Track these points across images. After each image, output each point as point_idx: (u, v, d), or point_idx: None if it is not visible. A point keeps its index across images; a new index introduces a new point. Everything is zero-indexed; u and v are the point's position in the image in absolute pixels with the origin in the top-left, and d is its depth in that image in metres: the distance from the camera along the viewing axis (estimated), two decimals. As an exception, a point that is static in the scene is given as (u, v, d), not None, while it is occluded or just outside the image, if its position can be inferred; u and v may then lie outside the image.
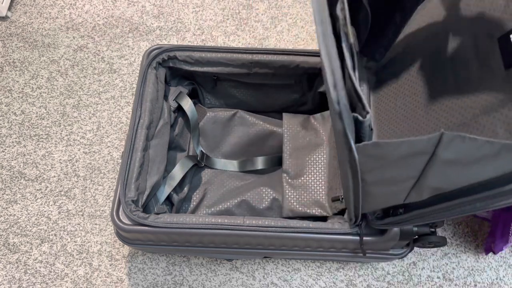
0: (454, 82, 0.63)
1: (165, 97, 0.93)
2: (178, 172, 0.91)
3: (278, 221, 0.75)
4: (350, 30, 0.60)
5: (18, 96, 1.19)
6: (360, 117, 0.53)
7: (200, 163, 0.98)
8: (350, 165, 0.54)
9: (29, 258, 1.00)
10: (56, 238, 1.02)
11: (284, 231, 0.74)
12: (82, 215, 1.05)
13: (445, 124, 0.63)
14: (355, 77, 0.56)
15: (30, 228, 1.03)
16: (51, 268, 1.00)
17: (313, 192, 0.89)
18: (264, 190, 0.92)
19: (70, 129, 1.15)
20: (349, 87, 0.58)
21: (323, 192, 0.89)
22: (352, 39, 0.60)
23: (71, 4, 1.32)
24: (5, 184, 1.08)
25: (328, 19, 0.47)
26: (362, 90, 0.83)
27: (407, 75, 0.75)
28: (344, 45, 0.57)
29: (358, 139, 0.55)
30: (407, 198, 0.58)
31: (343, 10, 0.59)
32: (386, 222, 0.67)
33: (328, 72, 0.45)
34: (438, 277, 0.97)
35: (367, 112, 0.54)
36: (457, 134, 0.46)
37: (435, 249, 0.99)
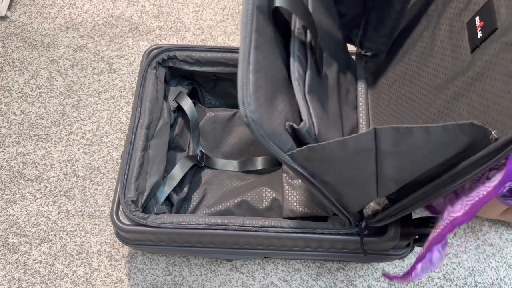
0: (434, 71, 0.64)
1: (165, 97, 0.93)
2: (178, 172, 0.91)
3: (278, 221, 0.75)
4: (309, 36, 0.63)
5: (18, 96, 1.18)
6: (294, 125, 0.55)
7: (200, 163, 0.98)
8: (293, 171, 0.55)
9: (28, 259, 1.00)
10: (55, 239, 1.02)
11: (284, 231, 0.74)
12: (82, 215, 1.04)
13: (426, 115, 0.64)
14: (297, 86, 0.58)
15: (30, 228, 1.03)
16: (51, 269, 0.99)
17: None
18: (264, 190, 0.92)
19: (70, 129, 1.14)
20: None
21: (323, 192, 0.89)
22: (309, 43, 0.63)
23: (70, 4, 1.32)
24: (4, 184, 1.08)
25: (250, 34, 0.49)
26: (361, 90, 0.84)
27: (397, 71, 0.77)
28: (293, 54, 0.60)
29: (303, 145, 0.56)
30: (378, 192, 0.59)
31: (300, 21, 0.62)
32: (377, 219, 0.68)
33: (239, 88, 0.47)
34: (439, 278, 0.97)
35: (301, 120, 0.56)
36: (389, 127, 0.47)
37: (435, 249, 0.99)
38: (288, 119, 0.55)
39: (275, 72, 0.55)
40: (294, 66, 0.59)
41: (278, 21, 0.59)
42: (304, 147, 0.52)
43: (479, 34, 0.54)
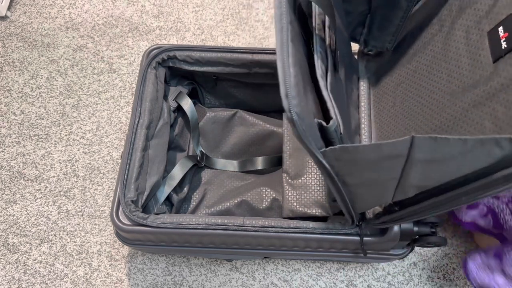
0: (447, 77, 0.64)
1: (165, 97, 0.93)
2: (178, 172, 0.91)
3: (278, 221, 0.75)
4: (328, 34, 0.62)
5: (18, 96, 1.18)
6: (323, 123, 0.53)
7: (200, 163, 0.97)
8: (321, 169, 0.55)
9: (28, 259, 1.00)
10: (55, 239, 1.02)
11: (284, 231, 0.74)
12: (82, 215, 1.04)
13: (438, 120, 0.63)
14: (323, 83, 0.57)
15: (30, 229, 1.03)
16: (51, 269, 0.99)
17: (313, 192, 0.89)
18: (264, 190, 0.92)
19: (70, 129, 1.14)
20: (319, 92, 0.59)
21: (324, 192, 0.89)
22: (328, 41, 0.61)
23: (70, 4, 1.32)
24: (4, 184, 1.08)
25: (287, 26, 0.48)
26: (363, 90, 0.84)
27: (404, 73, 0.76)
28: (316, 51, 0.59)
29: (329, 143, 0.55)
30: (394, 196, 0.59)
31: (320, 15, 0.60)
32: (382, 221, 0.68)
33: (281, 81, 0.45)
34: (439, 278, 0.97)
35: (331, 118, 0.55)
36: (427, 136, 0.47)
37: (435, 249, 0.99)
38: (315, 116, 0.54)
39: (302, 67, 0.54)
40: (318, 63, 0.58)
41: (301, 16, 0.58)
42: (337, 146, 0.51)
43: (504, 44, 0.52)
